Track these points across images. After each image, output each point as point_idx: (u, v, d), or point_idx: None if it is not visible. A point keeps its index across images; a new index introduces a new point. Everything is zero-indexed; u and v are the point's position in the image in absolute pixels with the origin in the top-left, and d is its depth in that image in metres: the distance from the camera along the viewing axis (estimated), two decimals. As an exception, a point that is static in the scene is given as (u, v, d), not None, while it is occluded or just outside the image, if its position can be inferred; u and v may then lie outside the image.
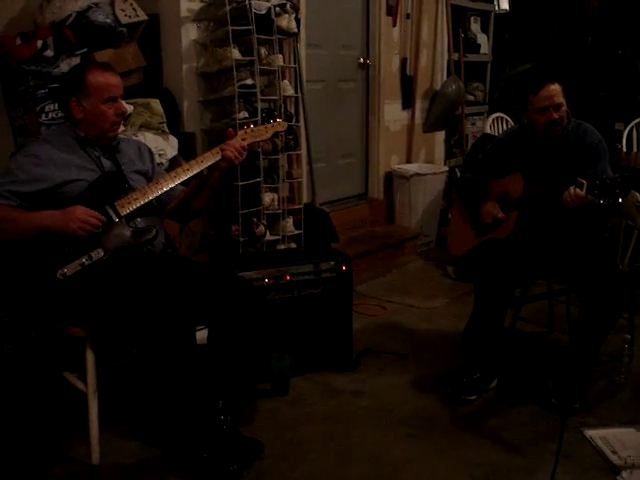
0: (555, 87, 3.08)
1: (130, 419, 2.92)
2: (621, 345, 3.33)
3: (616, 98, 6.11)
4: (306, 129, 4.55)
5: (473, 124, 6.50)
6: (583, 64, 6.35)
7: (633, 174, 2.79)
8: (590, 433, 2.80)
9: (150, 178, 2.78)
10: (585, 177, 2.82)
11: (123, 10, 3.71)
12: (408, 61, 5.85)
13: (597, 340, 2.99)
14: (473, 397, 3.11)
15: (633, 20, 6.31)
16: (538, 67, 6.33)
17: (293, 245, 4.26)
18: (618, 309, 2.98)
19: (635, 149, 5.29)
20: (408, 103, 5.93)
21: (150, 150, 2.95)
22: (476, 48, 6.61)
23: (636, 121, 5.37)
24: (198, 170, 2.66)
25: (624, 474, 2.53)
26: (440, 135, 6.36)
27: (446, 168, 5.93)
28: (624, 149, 5.26)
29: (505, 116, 5.71)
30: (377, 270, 5.05)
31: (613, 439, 2.75)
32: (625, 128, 5.37)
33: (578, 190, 2.81)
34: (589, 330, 2.96)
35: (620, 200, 2.79)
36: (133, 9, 3.76)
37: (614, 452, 2.67)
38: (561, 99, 3.08)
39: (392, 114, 5.78)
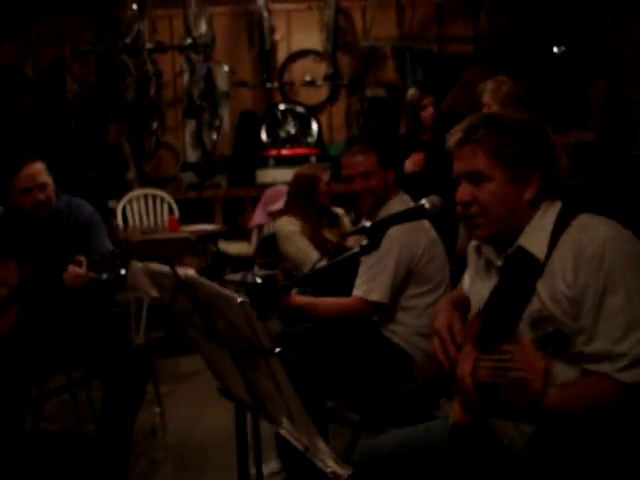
0: (37, 166, 2.89)
1: None
2: (153, 419, 3.23)
3: (105, 177, 6.19)
4: None
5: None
6: (69, 147, 6.31)
7: (129, 246, 2.76)
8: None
9: None
10: (84, 253, 2.68)
11: None
12: None
13: (127, 420, 2.83)
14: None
15: (111, 105, 6.49)
16: (14, 147, 6.05)
17: None
18: (140, 384, 2.87)
19: (131, 222, 5.39)
20: None
21: None
22: None
23: (128, 197, 5.51)
24: None
25: None
26: None
27: None
28: (120, 224, 5.32)
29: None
30: None
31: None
32: (118, 205, 5.46)
33: (77, 268, 2.65)
34: (116, 412, 2.79)
35: (123, 272, 2.72)
36: None
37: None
38: (46, 178, 2.90)
39: None
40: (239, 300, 1.05)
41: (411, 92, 4.33)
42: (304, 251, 3.56)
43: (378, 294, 2.55)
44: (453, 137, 1.68)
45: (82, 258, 2.64)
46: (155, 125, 6.56)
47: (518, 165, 1.60)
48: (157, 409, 3.27)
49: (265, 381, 1.18)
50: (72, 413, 3.60)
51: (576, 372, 1.50)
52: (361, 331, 2.65)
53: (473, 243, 1.87)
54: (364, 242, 1.72)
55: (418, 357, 2.59)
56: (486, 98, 3.65)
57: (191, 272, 1.20)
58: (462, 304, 1.89)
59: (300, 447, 1.22)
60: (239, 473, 1.68)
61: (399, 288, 2.59)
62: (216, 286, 1.16)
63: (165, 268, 1.28)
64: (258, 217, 5.33)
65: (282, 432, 1.30)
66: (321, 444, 1.12)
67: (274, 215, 5.15)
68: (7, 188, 2.87)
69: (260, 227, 5.18)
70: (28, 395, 2.82)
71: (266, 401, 1.27)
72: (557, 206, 1.63)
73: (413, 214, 1.75)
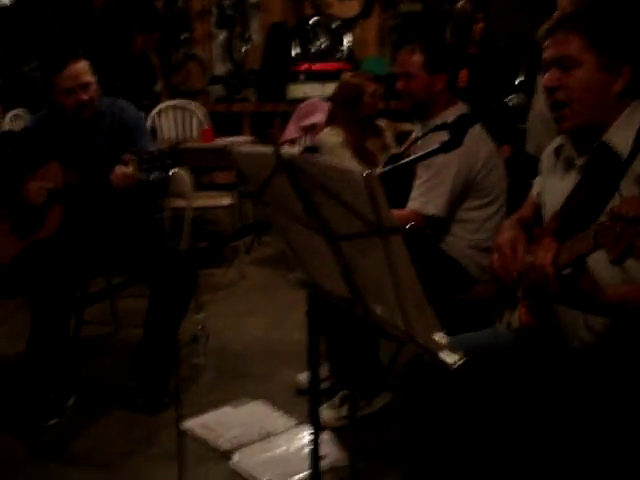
0: (81, 65, 2.82)
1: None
2: (194, 327, 3.22)
3: (133, 88, 6.05)
4: None
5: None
6: (95, 57, 6.16)
7: (176, 146, 2.71)
8: (189, 424, 2.61)
9: None
10: (132, 154, 2.61)
11: None
12: None
13: (172, 326, 2.83)
14: (53, 421, 2.69)
15: (138, 15, 6.31)
16: (59, 45, 5.92)
17: None
18: (187, 291, 2.86)
19: (160, 134, 5.29)
20: None
21: None
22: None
23: (157, 109, 5.41)
24: None
25: (236, 456, 2.39)
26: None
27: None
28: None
29: (24, 112, 5.21)
30: None
31: (214, 424, 2.59)
32: (147, 116, 5.34)
33: (125, 168, 2.59)
34: (162, 317, 2.80)
35: (171, 173, 2.69)
36: None
37: (220, 436, 2.50)
38: (89, 77, 2.82)
39: None
40: (364, 173, 0.98)
41: (461, 3, 4.15)
42: (347, 163, 3.47)
43: (435, 207, 2.47)
44: (545, 25, 1.62)
45: (130, 158, 2.58)
46: (183, 36, 6.39)
47: (611, 53, 1.54)
48: (199, 315, 3.25)
49: (372, 266, 1.13)
50: (110, 320, 3.61)
51: None
52: (415, 243, 2.59)
53: (552, 146, 1.80)
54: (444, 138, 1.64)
55: (473, 271, 2.54)
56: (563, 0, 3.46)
57: (296, 151, 1.13)
58: (529, 221, 1.84)
59: (401, 335, 1.17)
60: (311, 373, 1.65)
61: (456, 201, 2.51)
62: (333, 161, 1.09)
63: (266, 148, 1.21)
64: (291, 131, 5.21)
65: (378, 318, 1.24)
66: (435, 328, 1.07)
67: (307, 129, 5.05)
68: (50, 87, 2.80)
69: (292, 141, 5.06)
70: (74, 298, 2.80)
71: (365, 289, 1.22)
72: None
73: (497, 112, 1.67)
